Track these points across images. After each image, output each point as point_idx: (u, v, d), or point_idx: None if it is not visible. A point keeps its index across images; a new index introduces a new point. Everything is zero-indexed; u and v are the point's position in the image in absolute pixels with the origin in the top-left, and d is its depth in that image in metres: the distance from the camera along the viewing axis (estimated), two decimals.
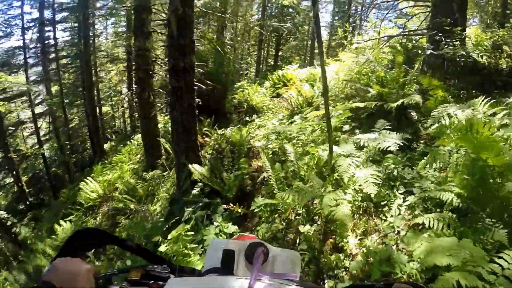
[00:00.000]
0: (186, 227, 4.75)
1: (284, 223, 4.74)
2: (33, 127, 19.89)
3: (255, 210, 5.01)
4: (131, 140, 14.33)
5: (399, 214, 4.04)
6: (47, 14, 19.00)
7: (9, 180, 19.39)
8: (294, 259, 1.16)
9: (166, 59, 8.00)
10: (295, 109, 8.96)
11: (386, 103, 5.88)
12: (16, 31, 19.01)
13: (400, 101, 5.61)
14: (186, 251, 4.48)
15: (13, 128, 19.67)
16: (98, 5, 20.23)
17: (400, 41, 8.99)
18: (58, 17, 19.58)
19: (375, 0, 13.12)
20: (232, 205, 5.28)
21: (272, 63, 22.91)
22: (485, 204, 3.20)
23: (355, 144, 5.13)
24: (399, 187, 4.41)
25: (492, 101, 4.81)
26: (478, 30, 9.12)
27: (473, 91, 6.44)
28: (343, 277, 3.60)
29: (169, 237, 4.61)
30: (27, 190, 18.12)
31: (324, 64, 4.43)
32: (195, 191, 6.42)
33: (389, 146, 4.56)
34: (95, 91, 20.83)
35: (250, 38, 23.35)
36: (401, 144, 4.67)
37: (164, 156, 9.87)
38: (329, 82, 7.94)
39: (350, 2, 23.04)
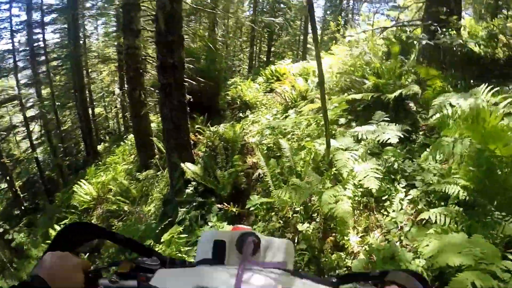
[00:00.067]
0: (178, 229, 4.59)
1: (281, 222, 4.58)
2: (25, 131, 19.63)
3: (251, 209, 4.84)
4: (125, 141, 14.19)
5: (401, 208, 3.87)
6: (36, 16, 18.73)
7: (3, 185, 19.12)
8: (287, 247, 1.10)
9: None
10: (289, 103, 8.80)
11: (383, 95, 5.71)
12: (5, 35, 18.65)
13: (398, 91, 5.41)
14: (179, 255, 4.32)
15: (5, 133, 19.43)
16: (87, 5, 19.94)
17: (394, 32, 8.85)
18: (47, 18, 19.25)
19: None
20: (226, 204, 5.12)
21: (265, 59, 22.90)
22: (492, 197, 3.03)
23: (353, 137, 4.97)
24: (400, 180, 4.23)
25: (494, 89, 4.65)
26: (472, 21, 9.01)
27: (471, 81, 6.30)
28: None
29: (162, 240, 4.45)
30: (21, 195, 17.95)
31: (319, 51, 4.25)
32: (188, 191, 6.27)
33: (389, 139, 4.41)
34: (87, 93, 20.58)
35: (242, 35, 23.32)
36: (402, 136, 4.51)
37: (157, 156, 9.72)
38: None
39: None
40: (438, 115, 4.35)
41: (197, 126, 9.11)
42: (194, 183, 6.30)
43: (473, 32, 7.44)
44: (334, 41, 11.66)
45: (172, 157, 6.79)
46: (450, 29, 6.63)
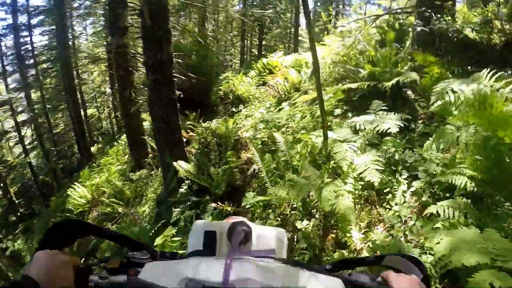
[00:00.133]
0: (172, 231, 4.39)
1: (279, 219, 4.39)
2: (17, 136, 19.38)
3: (247, 206, 4.66)
4: (118, 141, 14.05)
5: (405, 201, 3.70)
6: (23, 18, 18.36)
7: None
8: (280, 236, 1.06)
9: None
10: (283, 95, 8.64)
11: (380, 83, 5.52)
12: None
13: (395, 79, 5.22)
14: None
15: None
16: (75, 5, 19.58)
17: (387, 21, 8.68)
18: (35, 21, 18.85)
19: None
20: (220, 203, 4.94)
21: (256, 52, 22.84)
22: (502, 187, 2.85)
23: (351, 128, 4.79)
24: (401, 172, 4.06)
25: (497, 74, 4.46)
26: (465, 8, 8.87)
27: (469, 67, 6.14)
28: None
29: (155, 243, 4.26)
30: (17, 201, 17.80)
31: (313, 36, 4.04)
32: (182, 190, 6.11)
33: (389, 128, 4.23)
34: (79, 94, 20.26)
35: (232, 29, 23.17)
36: (402, 125, 4.34)
37: (150, 155, 9.57)
38: None
39: None
40: (439, 102, 4.16)
41: (189, 122, 8.93)
42: (187, 181, 6.14)
43: (466, 19, 7.29)
44: (325, 32, 11.51)
45: (164, 155, 6.61)
46: (445, 15, 6.49)
